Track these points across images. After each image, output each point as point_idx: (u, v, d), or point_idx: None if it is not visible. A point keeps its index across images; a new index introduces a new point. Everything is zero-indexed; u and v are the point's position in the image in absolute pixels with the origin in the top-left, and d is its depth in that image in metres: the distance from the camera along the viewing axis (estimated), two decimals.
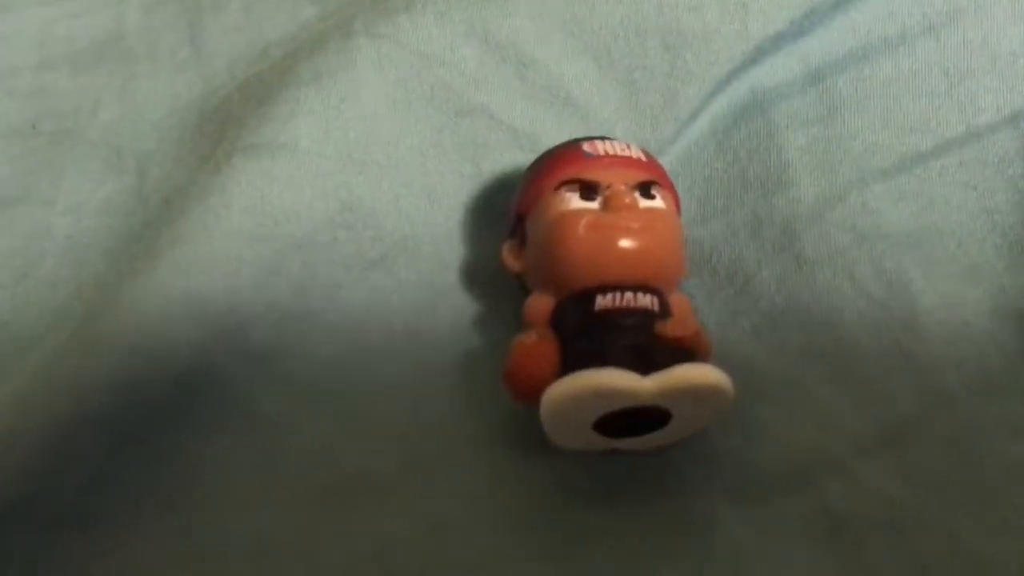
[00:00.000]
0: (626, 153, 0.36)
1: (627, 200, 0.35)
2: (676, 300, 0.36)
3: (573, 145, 0.37)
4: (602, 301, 0.34)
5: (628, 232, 0.35)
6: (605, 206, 0.35)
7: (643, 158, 0.37)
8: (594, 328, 0.34)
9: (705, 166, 0.42)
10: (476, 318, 0.39)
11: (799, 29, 0.42)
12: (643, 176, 0.36)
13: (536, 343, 0.34)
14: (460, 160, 0.41)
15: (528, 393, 0.34)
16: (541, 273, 0.36)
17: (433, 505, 0.35)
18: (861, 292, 0.38)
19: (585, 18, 0.42)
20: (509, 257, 0.37)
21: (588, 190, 0.35)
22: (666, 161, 0.42)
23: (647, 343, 0.34)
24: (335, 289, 0.38)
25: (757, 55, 0.42)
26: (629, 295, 0.34)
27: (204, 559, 0.34)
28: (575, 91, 0.42)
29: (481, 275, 0.39)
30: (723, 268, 0.40)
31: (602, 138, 0.37)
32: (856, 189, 0.40)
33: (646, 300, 0.34)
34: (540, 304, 0.35)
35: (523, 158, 0.40)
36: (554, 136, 0.41)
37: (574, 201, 0.35)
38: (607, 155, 0.36)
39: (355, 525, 0.35)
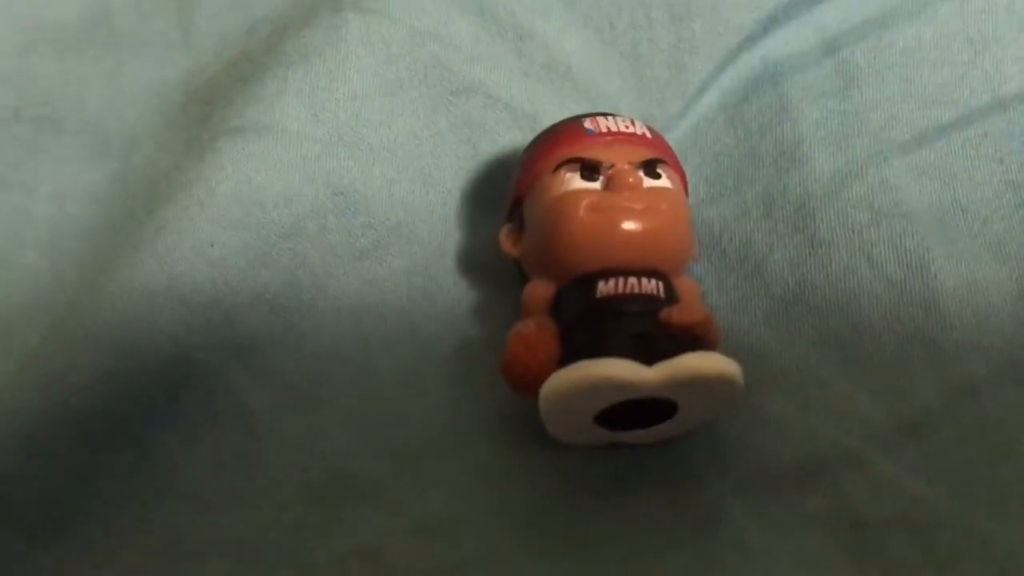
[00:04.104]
0: (630, 130, 0.35)
1: (631, 180, 0.33)
2: (684, 285, 0.34)
3: (574, 122, 0.35)
4: (604, 287, 0.32)
5: (631, 214, 0.33)
6: (607, 186, 0.33)
7: (648, 135, 0.35)
8: (595, 316, 0.32)
9: (715, 142, 0.40)
10: (474, 307, 0.37)
11: None
12: (648, 154, 0.34)
13: (534, 332, 0.33)
14: (456, 141, 0.39)
15: (526, 385, 0.32)
16: (540, 258, 0.34)
17: (426, 503, 0.34)
18: (879, 274, 0.36)
19: None
20: (507, 242, 0.35)
21: (589, 170, 0.34)
22: (674, 138, 0.40)
23: (651, 331, 0.32)
24: (326, 278, 0.37)
25: (769, 24, 0.40)
26: (633, 280, 0.32)
27: (188, 560, 0.33)
28: (576, 66, 0.40)
29: (479, 262, 0.38)
30: (734, 250, 0.38)
31: (605, 115, 0.35)
32: (874, 164, 0.38)
33: (651, 285, 0.33)
34: (539, 291, 0.34)
35: (522, 138, 0.39)
36: (554, 114, 0.39)
37: (574, 181, 0.34)
38: (609, 132, 0.34)
39: (343, 524, 0.33)
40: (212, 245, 0.35)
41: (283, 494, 0.34)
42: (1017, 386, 0.34)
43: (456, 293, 0.37)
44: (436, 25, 0.39)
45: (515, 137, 0.39)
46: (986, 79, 0.39)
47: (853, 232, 0.37)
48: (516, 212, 0.35)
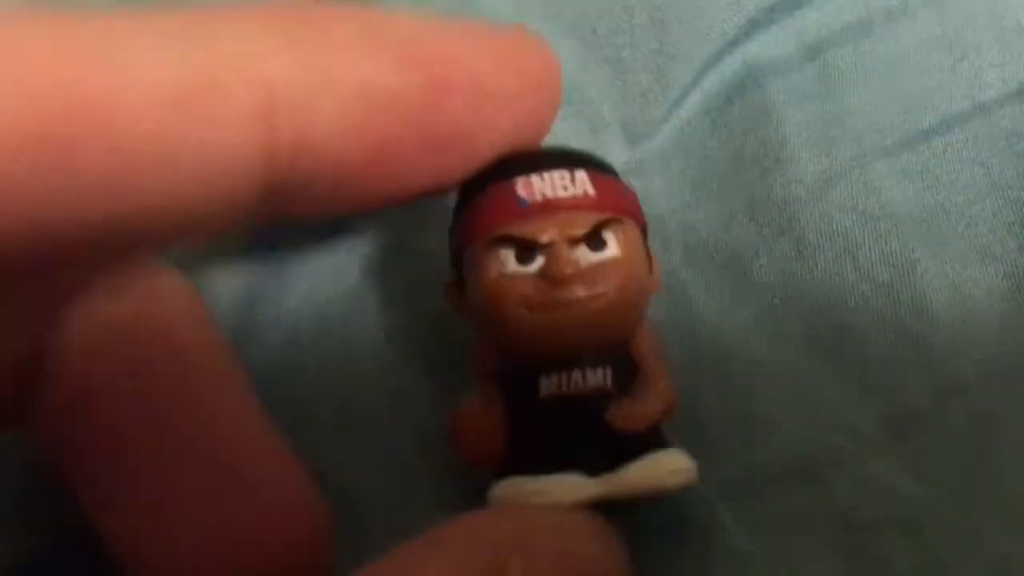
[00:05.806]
0: (568, 192, 0.30)
1: (568, 271, 0.29)
2: (640, 342, 0.32)
3: (506, 184, 0.31)
4: (546, 387, 0.30)
5: (570, 306, 0.29)
6: (543, 274, 0.30)
7: (590, 191, 0.31)
8: (539, 416, 0.30)
9: (700, 146, 0.40)
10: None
11: (795, 1, 0.41)
12: (591, 219, 0.30)
13: (480, 413, 0.31)
14: None
15: (478, 464, 0.31)
16: (483, 331, 0.32)
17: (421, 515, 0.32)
18: (865, 276, 0.36)
19: None
20: (452, 293, 0.32)
21: (525, 250, 0.30)
22: (658, 142, 0.40)
23: (597, 434, 0.30)
24: (322, 305, 0.37)
25: (751, 28, 0.40)
26: (577, 376, 0.30)
27: None
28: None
29: None
30: (720, 254, 0.38)
31: (541, 172, 0.31)
32: (858, 167, 0.38)
33: (597, 377, 0.30)
34: (486, 357, 0.32)
35: None
36: None
37: (509, 264, 0.30)
38: (545, 199, 0.30)
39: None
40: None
41: None
42: (1004, 383, 0.34)
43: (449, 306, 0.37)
44: None
45: None
46: (966, 85, 0.39)
47: (838, 234, 0.37)
48: (459, 261, 0.32)
